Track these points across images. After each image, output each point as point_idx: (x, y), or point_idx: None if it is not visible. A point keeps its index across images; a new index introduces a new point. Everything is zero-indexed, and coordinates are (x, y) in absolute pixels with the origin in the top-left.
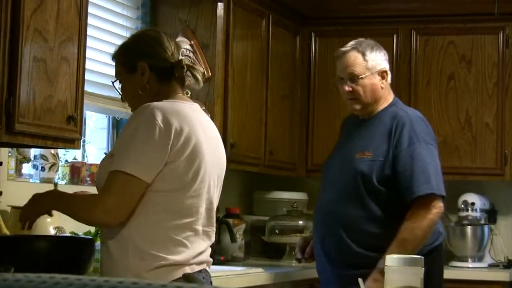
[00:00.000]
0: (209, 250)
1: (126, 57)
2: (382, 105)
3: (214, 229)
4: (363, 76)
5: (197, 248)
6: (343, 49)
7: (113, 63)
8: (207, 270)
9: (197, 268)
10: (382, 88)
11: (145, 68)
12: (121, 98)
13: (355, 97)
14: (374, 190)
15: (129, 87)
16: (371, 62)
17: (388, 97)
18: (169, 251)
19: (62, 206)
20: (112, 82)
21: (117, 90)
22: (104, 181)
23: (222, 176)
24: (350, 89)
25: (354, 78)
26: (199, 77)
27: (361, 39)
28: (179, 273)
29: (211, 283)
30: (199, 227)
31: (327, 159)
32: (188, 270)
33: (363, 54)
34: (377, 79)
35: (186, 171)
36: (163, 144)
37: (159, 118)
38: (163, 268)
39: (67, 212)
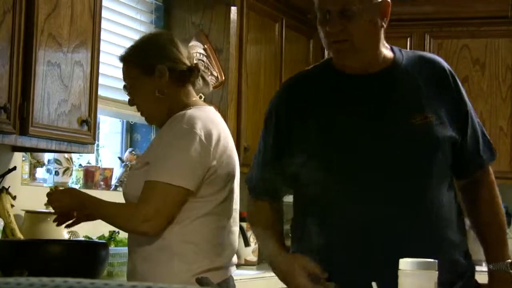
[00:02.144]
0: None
1: (142, 59)
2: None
3: (238, 229)
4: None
5: (234, 248)
6: None
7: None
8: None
9: (233, 270)
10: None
11: (164, 71)
12: (129, 101)
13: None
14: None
15: (144, 91)
16: None
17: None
18: (212, 254)
19: (101, 214)
20: (125, 86)
21: (128, 94)
22: (138, 190)
23: (239, 177)
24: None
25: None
26: (208, 80)
27: None
28: (223, 276)
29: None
30: (233, 228)
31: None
32: (230, 272)
33: None
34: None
35: (226, 174)
36: (204, 152)
37: (198, 126)
38: (208, 272)
39: (106, 220)
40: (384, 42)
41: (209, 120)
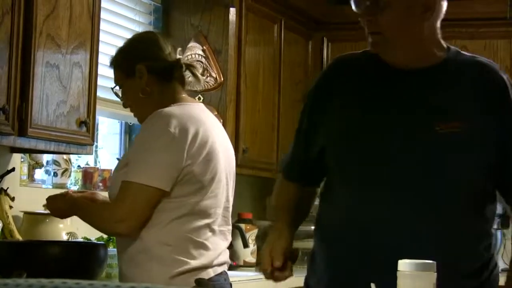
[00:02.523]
0: (227, 250)
1: (123, 62)
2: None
3: (230, 228)
4: None
5: (218, 248)
6: None
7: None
8: (226, 272)
9: (219, 269)
10: None
11: (143, 70)
12: (123, 104)
13: None
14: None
15: (130, 92)
16: None
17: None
18: (191, 255)
19: (83, 215)
20: (112, 89)
21: (118, 97)
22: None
23: (234, 172)
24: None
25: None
26: (199, 75)
27: None
28: (203, 277)
29: (230, 285)
30: (217, 228)
31: (341, 139)
32: (211, 273)
33: None
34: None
35: (204, 173)
36: (178, 151)
37: (172, 124)
38: (187, 273)
39: (86, 221)
40: (438, 39)
41: (187, 117)
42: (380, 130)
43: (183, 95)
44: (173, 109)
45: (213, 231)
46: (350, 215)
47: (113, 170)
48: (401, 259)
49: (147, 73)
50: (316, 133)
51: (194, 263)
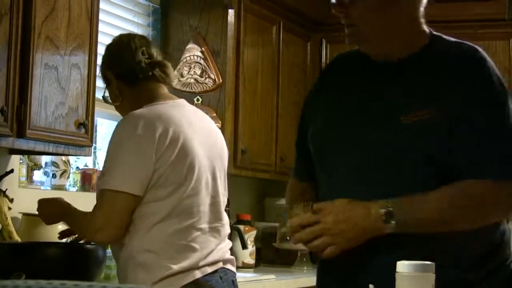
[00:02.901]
0: (225, 246)
1: (101, 72)
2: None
3: (225, 222)
4: None
5: (206, 248)
6: None
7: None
8: (227, 269)
9: (209, 269)
10: None
11: (111, 77)
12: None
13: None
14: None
15: (111, 99)
16: None
17: None
18: (175, 260)
19: (68, 221)
20: (102, 97)
21: (110, 104)
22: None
23: (224, 166)
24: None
25: None
26: (169, 71)
27: None
28: (188, 279)
29: (233, 282)
30: (204, 225)
31: (318, 137)
32: (198, 274)
33: None
34: None
35: (178, 172)
36: (146, 153)
37: (139, 127)
38: (169, 278)
39: (72, 228)
40: (419, 27)
41: (155, 116)
42: (351, 123)
43: (162, 93)
44: (140, 111)
45: (199, 230)
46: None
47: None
48: (375, 251)
49: (115, 79)
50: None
51: (177, 267)
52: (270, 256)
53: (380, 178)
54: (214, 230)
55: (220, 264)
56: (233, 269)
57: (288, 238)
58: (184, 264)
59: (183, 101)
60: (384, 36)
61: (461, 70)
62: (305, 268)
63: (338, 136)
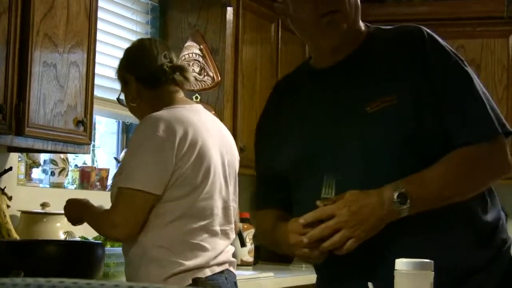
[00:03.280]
0: (231, 249)
1: (118, 74)
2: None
3: (233, 226)
4: None
5: (216, 249)
6: None
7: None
8: (230, 271)
9: (218, 269)
10: None
11: (131, 80)
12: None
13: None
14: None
15: (127, 100)
16: None
17: None
18: (187, 257)
19: (87, 221)
20: (117, 99)
21: (124, 106)
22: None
23: (236, 172)
24: None
25: None
26: (188, 76)
27: None
28: (199, 276)
29: (235, 283)
30: (216, 228)
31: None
32: (208, 272)
33: None
34: None
35: (195, 175)
36: (167, 154)
37: (160, 128)
38: (181, 274)
39: (91, 226)
40: (359, 17)
41: (174, 119)
42: (317, 128)
43: (180, 97)
44: (161, 113)
45: (210, 232)
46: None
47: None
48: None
49: (135, 81)
50: (272, 159)
51: (189, 263)
52: (268, 254)
53: (369, 170)
54: (224, 233)
55: (227, 266)
56: (234, 271)
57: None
58: (196, 261)
59: (199, 106)
60: (356, 24)
61: (413, 45)
62: (303, 266)
63: (321, 148)
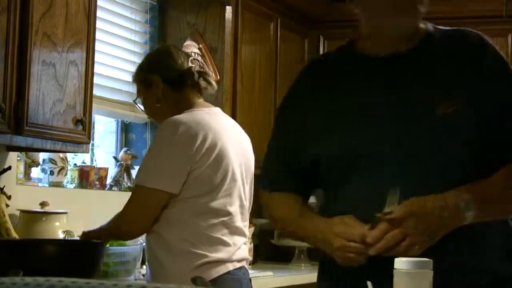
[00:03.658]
0: (246, 246)
1: (141, 75)
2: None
3: (247, 224)
4: None
5: (236, 244)
6: None
7: (133, 67)
8: (246, 268)
9: (238, 264)
10: None
11: (158, 80)
12: (146, 113)
13: None
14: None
15: (148, 102)
16: None
17: None
18: (210, 249)
19: (103, 236)
20: (134, 101)
21: (139, 107)
22: None
23: (252, 172)
24: None
25: None
26: (212, 81)
27: None
28: (223, 270)
29: (250, 280)
30: (234, 224)
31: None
32: (230, 267)
33: None
34: None
35: (214, 174)
36: (185, 156)
37: (180, 130)
38: (207, 264)
39: (110, 234)
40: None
41: (195, 123)
42: (370, 122)
43: (199, 101)
44: (182, 116)
45: (229, 228)
46: (353, 208)
47: (121, 169)
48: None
49: (162, 82)
50: (303, 142)
51: (213, 256)
52: (268, 253)
53: (426, 171)
54: (241, 230)
55: (244, 262)
56: (248, 269)
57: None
58: (219, 255)
59: (218, 109)
60: (416, 16)
61: (474, 52)
62: (302, 265)
63: (380, 143)
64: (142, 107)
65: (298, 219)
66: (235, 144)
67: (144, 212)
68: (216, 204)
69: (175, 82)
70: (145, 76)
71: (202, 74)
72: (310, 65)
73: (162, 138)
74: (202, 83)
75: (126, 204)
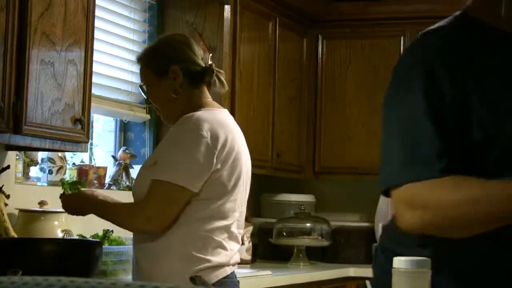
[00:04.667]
0: (238, 252)
1: (156, 61)
2: None
3: (242, 232)
4: None
5: (233, 249)
6: None
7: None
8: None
9: (233, 268)
10: None
11: (178, 72)
12: (146, 100)
13: None
14: None
15: (159, 91)
16: None
17: None
18: (211, 253)
19: (106, 214)
20: (140, 86)
21: (144, 93)
22: (145, 188)
23: (249, 177)
24: None
25: None
26: (225, 81)
27: None
28: (222, 274)
29: (238, 282)
30: (234, 230)
31: None
32: (228, 271)
33: None
34: None
35: (229, 178)
36: (209, 154)
37: (205, 128)
38: (207, 269)
39: (110, 220)
40: None
41: (217, 122)
42: None
43: (209, 100)
44: (203, 113)
45: (230, 232)
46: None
47: (120, 168)
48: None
49: (182, 75)
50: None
51: (214, 260)
52: (266, 252)
53: None
54: (236, 236)
55: (237, 266)
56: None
57: None
58: (220, 259)
59: (226, 110)
60: None
61: None
62: (301, 264)
63: None
64: (145, 93)
65: (494, 195)
66: (244, 149)
67: (166, 210)
68: (225, 208)
69: (194, 77)
70: (161, 63)
71: (218, 72)
72: (435, 36)
73: (185, 133)
74: (217, 82)
75: (148, 199)
